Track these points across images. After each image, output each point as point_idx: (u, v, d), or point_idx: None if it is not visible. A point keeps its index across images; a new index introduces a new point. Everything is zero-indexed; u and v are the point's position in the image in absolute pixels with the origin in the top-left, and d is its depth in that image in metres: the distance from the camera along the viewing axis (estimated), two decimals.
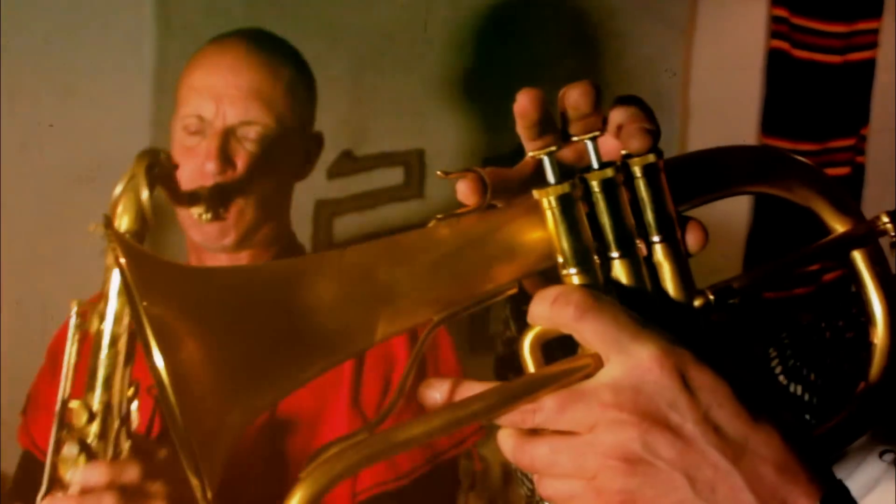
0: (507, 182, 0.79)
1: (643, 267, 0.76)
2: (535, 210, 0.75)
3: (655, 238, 0.76)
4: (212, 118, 1.64)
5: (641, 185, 0.76)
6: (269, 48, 1.76)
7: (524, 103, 0.75)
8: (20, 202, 2.15)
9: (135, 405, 1.39)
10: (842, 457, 0.97)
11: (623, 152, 0.76)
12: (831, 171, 2.91)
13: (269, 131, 1.67)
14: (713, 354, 0.72)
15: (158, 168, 1.40)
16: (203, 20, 2.26)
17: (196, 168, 1.62)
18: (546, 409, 0.72)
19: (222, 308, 0.66)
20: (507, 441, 0.74)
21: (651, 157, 0.75)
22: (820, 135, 2.98)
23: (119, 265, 0.66)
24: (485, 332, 2.53)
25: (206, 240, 1.67)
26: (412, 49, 2.50)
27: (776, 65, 2.94)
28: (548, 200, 0.74)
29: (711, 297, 0.76)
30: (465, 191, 0.75)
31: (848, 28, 2.96)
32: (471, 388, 0.73)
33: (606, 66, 2.71)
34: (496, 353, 0.94)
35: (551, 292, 0.72)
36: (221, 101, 1.64)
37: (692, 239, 0.78)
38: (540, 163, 0.75)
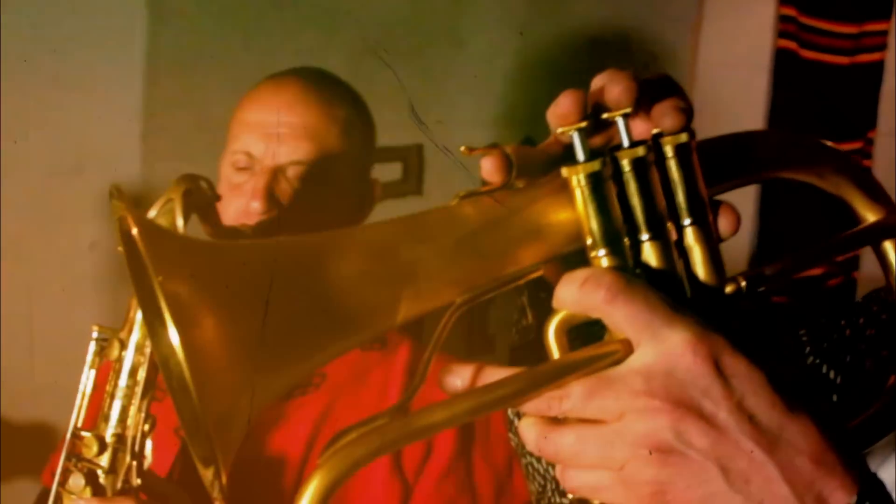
0: (532, 161, 0.76)
1: (674, 251, 0.73)
2: (563, 189, 0.72)
3: (686, 221, 0.73)
4: (261, 156, 1.59)
5: (673, 166, 0.73)
6: (327, 88, 1.70)
7: (568, 107, 0.72)
8: (6, 192, 2.11)
9: (149, 443, 1.34)
10: (865, 455, 0.94)
11: (654, 131, 0.74)
12: None
13: (320, 172, 1.61)
14: (746, 342, 0.69)
15: (197, 194, 1.34)
16: (196, 8, 2.22)
17: (241, 206, 1.57)
18: (574, 395, 0.69)
19: (238, 283, 0.63)
20: (530, 430, 0.71)
21: (683, 137, 0.73)
22: (827, 137, 2.95)
23: (130, 236, 0.63)
24: (484, 333, 2.50)
25: None
26: (411, 42, 2.47)
27: (783, 65, 2.92)
28: (577, 178, 0.71)
29: (743, 283, 0.74)
30: (490, 168, 0.73)
31: (857, 29, 2.93)
32: (493, 374, 0.70)
33: (612, 62, 2.68)
34: (511, 343, 0.91)
35: (580, 274, 0.69)
36: (272, 139, 1.59)
37: (724, 223, 0.75)
38: (568, 141, 0.72)
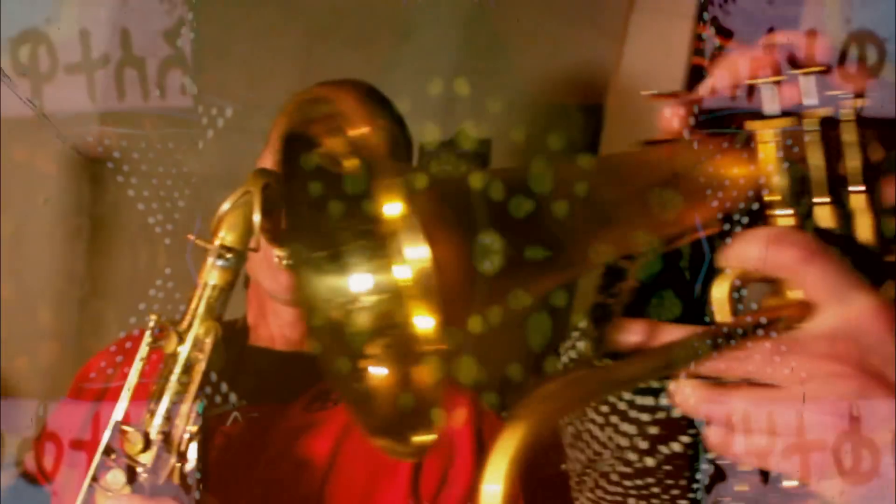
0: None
1: (844, 216, 0.71)
2: (744, 144, 0.70)
3: (858, 187, 0.71)
4: None
5: (852, 129, 0.71)
6: (377, 104, 1.63)
7: (769, 59, 0.70)
8: None
9: (194, 445, 1.22)
10: None
11: (832, 93, 0.72)
12: None
13: None
14: None
15: (271, 191, 1.23)
16: None
17: None
18: (756, 358, 0.66)
19: (459, 207, 0.58)
20: (694, 391, 0.68)
21: (866, 101, 0.71)
22: None
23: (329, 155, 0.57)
24: None
25: (277, 290, 1.56)
26: (361, 29, 2.43)
27: (696, 80, 2.97)
28: (769, 133, 0.68)
29: None
30: (674, 117, 0.70)
31: None
32: (669, 333, 0.67)
33: (536, 67, 2.68)
34: (594, 300, 0.87)
35: (766, 232, 0.67)
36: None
37: (891, 192, 0.74)
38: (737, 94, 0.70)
